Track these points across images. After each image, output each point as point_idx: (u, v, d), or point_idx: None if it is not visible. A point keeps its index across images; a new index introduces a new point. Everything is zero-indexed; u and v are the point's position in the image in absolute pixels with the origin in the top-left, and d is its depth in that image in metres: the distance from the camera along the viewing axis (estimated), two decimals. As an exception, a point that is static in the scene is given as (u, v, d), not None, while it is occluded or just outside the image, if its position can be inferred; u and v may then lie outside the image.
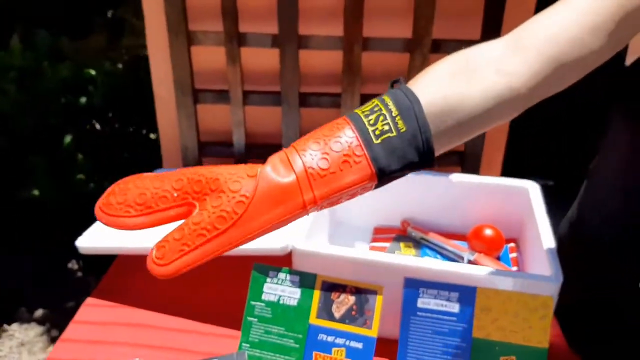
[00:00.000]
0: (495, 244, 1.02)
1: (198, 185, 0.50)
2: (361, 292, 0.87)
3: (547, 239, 0.92)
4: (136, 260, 1.05)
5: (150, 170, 1.23)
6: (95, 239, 1.03)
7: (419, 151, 0.52)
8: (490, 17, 1.07)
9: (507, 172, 1.17)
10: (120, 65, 2.35)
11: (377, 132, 0.51)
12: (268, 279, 0.90)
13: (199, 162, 1.25)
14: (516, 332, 0.82)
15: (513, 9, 1.07)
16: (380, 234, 1.16)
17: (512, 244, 1.09)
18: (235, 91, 1.17)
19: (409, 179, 1.09)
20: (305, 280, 0.89)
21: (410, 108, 0.51)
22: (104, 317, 0.97)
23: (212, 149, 1.26)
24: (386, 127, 0.51)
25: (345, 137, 0.52)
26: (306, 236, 0.91)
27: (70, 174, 2.19)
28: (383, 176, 0.53)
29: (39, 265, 2.27)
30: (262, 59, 1.18)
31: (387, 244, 1.12)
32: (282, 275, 0.90)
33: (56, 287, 2.16)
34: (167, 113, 1.24)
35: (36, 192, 2.12)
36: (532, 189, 1.06)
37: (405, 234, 1.14)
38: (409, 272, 0.85)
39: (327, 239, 1.13)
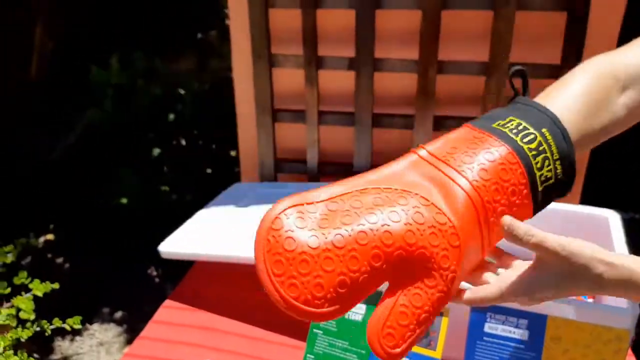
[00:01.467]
0: None
1: (402, 261, 0.47)
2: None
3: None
4: (212, 267, 1.11)
5: (228, 184, 1.31)
6: (177, 244, 1.10)
7: (564, 192, 0.54)
8: (572, 41, 1.05)
9: (587, 201, 1.13)
10: (207, 86, 2.50)
11: (542, 178, 0.51)
12: (335, 293, 0.93)
13: (274, 177, 1.31)
14: (588, 365, 0.79)
15: (595, 32, 1.05)
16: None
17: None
18: (312, 111, 1.22)
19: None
20: (371, 296, 0.90)
21: (568, 154, 0.51)
22: (179, 319, 1.04)
23: (287, 166, 1.31)
24: (549, 174, 0.51)
25: (519, 184, 0.51)
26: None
27: (156, 184, 2.34)
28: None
29: (121, 269, 2.42)
30: (338, 81, 1.22)
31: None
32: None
33: (136, 291, 2.29)
34: (248, 130, 1.31)
35: (124, 201, 2.27)
36: (612, 219, 1.01)
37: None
38: (476, 295, 0.84)
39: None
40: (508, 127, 0.53)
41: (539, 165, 0.51)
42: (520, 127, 0.52)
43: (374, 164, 1.25)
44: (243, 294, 1.02)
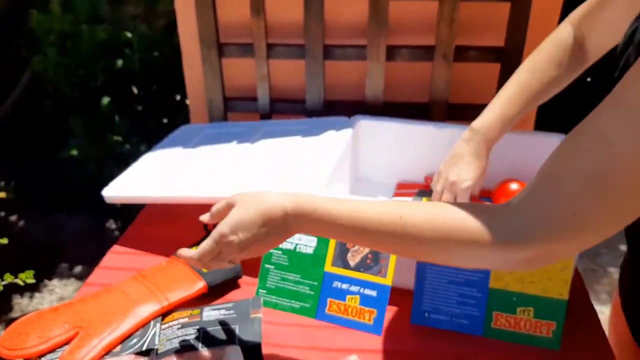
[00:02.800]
0: None
1: None
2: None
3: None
4: (160, 210, 1.07)
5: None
6: (121, 189, 1.05)
7: None
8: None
9: (541, 127, 1.12)
10: (157, 29, 2.37)
11: None
12: (285, 227, 0.91)
13: (224, 117, 1.26)
14: (535, 283, 0.80)
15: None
16: (403, 189, 1.14)
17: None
18: (260, 44, 1.16)
19: (432, 132, 1.08)
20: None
21: None
22: (127, 264, 1.00)
23: (238, 104, 1.26)
24: None
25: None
26: (327, 184, 0.91)
27: (107, 135, 2.25)
28: None
29: (78, 223, 2.36)
30: (286, 11, 1.16)
31: (409, 199, 1.10)
32: (299, 224, 0.90)
33: (94, 245, 2.24)
34: (194, 68, 1.24)
35: (74, 152, 2.18)
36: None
37: (429, 189, 1.12)
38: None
39: (349, 193, 1.12)
40: None
41: None
42: None
43: (326, 100, 1.21)
44: (192, 234, 0.99)
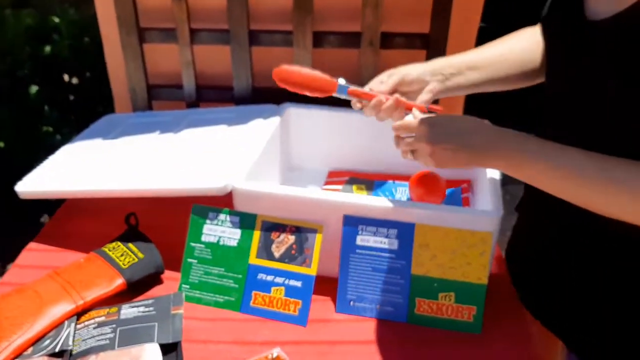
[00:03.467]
0: (435, 189, 0.98)
1: None
2: (301, 231, 0.85)
3: (494, 176, 0.90)
4: (80, 204, 1.02)
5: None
6: (36, 183, 1.00)
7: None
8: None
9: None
10: (86, 14, 2.26)
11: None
12: (208, 221, 0.88)
13: (148, 106, 1.21)
14: (455, 269, 0.80)
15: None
16: (334, 177, 1.13)
17: (464, 185, 1.07)
18: (182, 29, 1.12)
19: (362, 120, 1.07)
20: (246, 221, 0.87)
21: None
22: (44, 261, 0.95)
23: (162, 92, 1.22)
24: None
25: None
26: (246, 176, 0.89)
27: (36, 125, 2.14)
28: None
29: (10, 218, 2.24)
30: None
31: (339, 187, 1.09)
32: (222, 216, 0.88)
33: (27, 240, 2.13)
34: (115, 55, 1.19)
35: (1, 144, 2.07)
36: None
37: (359, 177, 1.12)
38: (349, 209, 0.83)
39: (279, 183, 1.11)
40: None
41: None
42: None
43: (255, 86, 1.18)
44: (113, 228, 0.95)
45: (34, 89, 2.17)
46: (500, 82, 0.84)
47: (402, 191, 1.08)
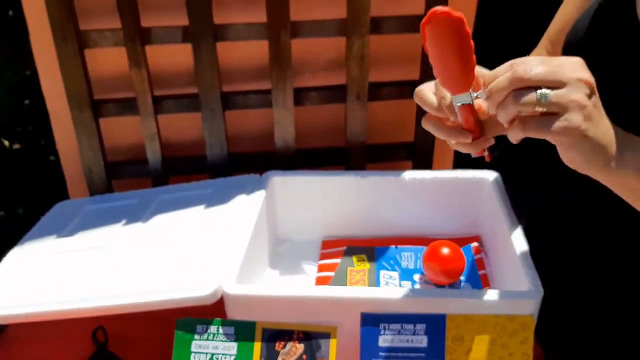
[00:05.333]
0: (454, 267, 0.87)
1: None
2: (311, 337, 0.71)
3: (516, 237, 0.79)
4: (28, 330, 0.84)
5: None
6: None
7: None
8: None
9: (459, 164, 1.04)
10: (26, 75, 2.08)
11: None
12: (196, 336, 0.73)
13: (108, 187, 1.06)
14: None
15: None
16: (329, 247, 1.01)
17: (475, 244, 0.96)
18: (144, 99, 0.98)
19: (354, 182, 0.96)
20: (243, 331, 0.73)
21: None
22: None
23: (124, 169, 1.07)
24: None
25: None
26: (238, 276, 0.75)
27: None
28: None
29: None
30: (173, 57, 1.00)
31: (337, 260, 0.97)
32: (213, 328, 0.73)
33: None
34: (65, 131, 1.03)
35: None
36: (491, 180, 0.94)
37: (357, 244, 1.00)
38: (365, 306, 0.71)
39: (268, 263, 0.97)
40: None
41: None
42: None
43: (230, 153, 1.06)
44: (74, 349, 0.79)
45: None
46: None
47: (408, 257, 0.97)
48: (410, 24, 0.95)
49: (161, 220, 0.93)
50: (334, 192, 0.98)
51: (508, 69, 0.49)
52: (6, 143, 2.05)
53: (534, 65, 0.47)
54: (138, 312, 0.75)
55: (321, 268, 0.95)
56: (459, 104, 0.56)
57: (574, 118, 0.46)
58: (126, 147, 1.07)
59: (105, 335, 0.80)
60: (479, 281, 0.89)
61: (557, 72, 0.46)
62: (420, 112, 1.03)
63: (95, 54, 0.97)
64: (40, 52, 0.99)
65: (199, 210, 0.93)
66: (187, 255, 0.82)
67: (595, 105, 0.47)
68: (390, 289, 0.72)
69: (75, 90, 0.96)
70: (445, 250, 0.88)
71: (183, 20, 0.93)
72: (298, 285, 0.73)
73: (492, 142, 0.59)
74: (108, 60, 0.99)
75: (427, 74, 1.00)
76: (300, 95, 1.01)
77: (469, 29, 0.50)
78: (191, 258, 0.81)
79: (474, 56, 0.52)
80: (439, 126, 0.60)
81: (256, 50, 0.98)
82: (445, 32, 0.50)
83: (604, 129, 0.48)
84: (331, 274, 0.93)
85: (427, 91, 0.60)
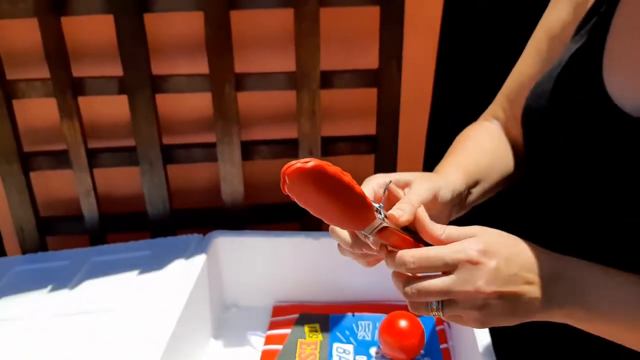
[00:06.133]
0: (411, 343, 0.79)
1: None
2: None
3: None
4: None
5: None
6: None
7: None
8: (388, 42, 0.87)
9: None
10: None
11: None
12: None
13: (42, 243, 0.97)
14: None
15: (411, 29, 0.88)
16: (280, 314, 0.93)
17: (440, 327, 0.88)
18: (77, 152, 0.90)
19: (307, 244, 0.89)
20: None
21: None
22: None
23: (59, 226, 0.98)
24: None
25: None
26: (163, 356, 0.66)
27: None
28: None
29: None
30: (108, 109, 0.93)
31: (287, 330, 0.89)
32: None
33: None
34: (-5, 186, 0.95)
35: None
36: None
37: (311, 311, 0.92)
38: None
39: (212, 332, 0.89)
40: None
41: None
42: None
43: (173, 209, 0.98)
44: None
45: None
46: (488, 192, 0.65)
47: (365, 327, 0.89)
48: (364, 78, 0.89)
49: (90, 287, 0.84)
50: (286, 253, 0.91)
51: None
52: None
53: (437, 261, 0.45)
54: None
55: (269, 340, 0.87)
56: (370, 236, 0.47)
57: (467, 315, 0.46)
58: (61, 202, 0.99)
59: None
60: (440, 357, 0.82)
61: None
62: (379, 166, 0.97)
63: (24, 104, 0.90)
64: (-34, 101, 0.91)
65: (132, 276, 0.85)
66: (110, 333, 0.74)
67: (496, 279, 0.45)
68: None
69: (2, 142, 0.88)
70: (402, 324, 0.81)
71: (118, 71, 0.86)
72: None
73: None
74: (39, 111, 0.92)
75: (384, 129, 0.94)
76: (249, 149, 0.94)
77: (331, 169, 0.41)
78: (114, 337, 0.73)
79: (355, 188, 0.43)
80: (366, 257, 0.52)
81: (199, 103, 0.92)
82: (308, 185, 0.41)
83: (509, 305, 0.45)
84: (279, 347, 0.85)
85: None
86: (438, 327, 0.87)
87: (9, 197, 0.92)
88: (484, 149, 0.65)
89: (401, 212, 0.47)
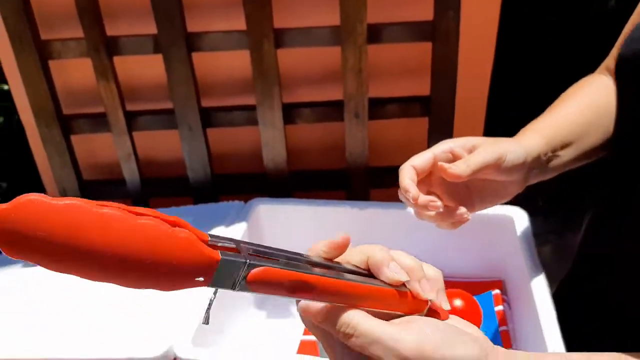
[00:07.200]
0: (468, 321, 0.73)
1: None
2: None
3: (539, 295, 0.65)
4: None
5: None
6: None
7: None
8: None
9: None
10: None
11: None
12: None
13: (86, 207, 0.96)
14: None
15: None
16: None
17: (496, 291, 0.81)
18: (115, 114, 0.87)
19: (352, 214, 0.83)
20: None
21: None
22: None
23: (101, 189, 0.97)
24: None
25: None
26: (196, 334, 0.64)
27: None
28: None
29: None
30: (145, 70, 0.89)
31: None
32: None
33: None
34: (39, 146, 0.95)
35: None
36: (517, 219, 0.79)
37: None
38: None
39: (253, 301, 0.86)
40: None
41: None
42: None
43: (215, 174, 0.94)
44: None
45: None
46: (586, 155, 0.59)
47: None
48: (417, 31, 0.80)
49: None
50: (330, 223, 0.85)
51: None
52: None
53: None
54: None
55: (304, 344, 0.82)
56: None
57: None
58: (103, 166, 0.98)
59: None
60: (499, 340, 0.75)
61: None
62: (433, 131, 0.89)
63: (61, 65, 0.87)
64: (7, 63, 0.90)
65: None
66: (147, 303, 0.72)
67: None
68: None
69: (41, 104, 0.86)
70: (458, 302, 0.74)
71: (152, 29, 0.81)
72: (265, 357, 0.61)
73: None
74: (76, 73, 0.89)
75: (439, 89, 0.85)
76: (291, 113, 0.88)
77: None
78: (151, 306, 0.71)
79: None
80: None
81: (238, 62, 0.86)
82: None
83: None
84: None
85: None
86: (497, 308, 0.79)
87: (50, 160, 0.91)
88: (586, 106, 0.58)
89: (455, 167, 0.49)
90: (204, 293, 0.31)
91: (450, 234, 0.82)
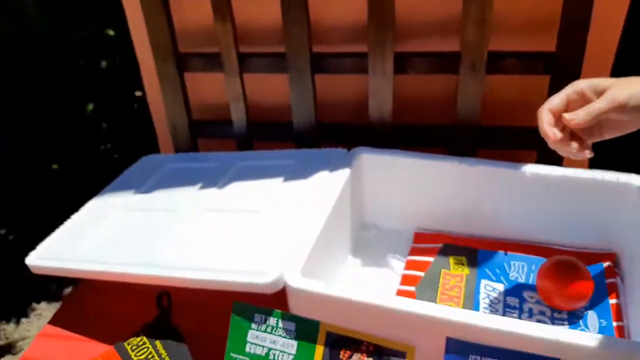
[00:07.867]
0: (577, 291, 0.70)
1: None
2: (383, 353, 0.60)
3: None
4: (100, 283, 0.83)
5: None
6: (48, 256, 0.81)
7: None
8: None
9: (598, 164, 0.82)
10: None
11: None
12: (253, 325, 0.65)
13: (193, 145, 1.00)
14: None
15: None
16: (423, 242, 0.87)
17: (608, 263, 0.77)
18: (229, 55, 0.89)
19: (457, 170, 0.81)
20: (304, 330, 0.63)
21: None
22: (57, 354, 0.77)
23: (210, 129, 1.00)
24: None
25: None
26: (304, 267, 0.64)
27: (94, 144, 2.01)
28: None
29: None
30: (260, 11, 0.89)
31: (430, 258, 0.83)
32: (272, 320, 0.64)
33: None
34: (153, 84, 0.98)
35: (55, 166, 1.96)
36: (639, 186, 0.74)
37: (457, 242, 0.85)
38: (453, 329, 0.57)
39: (350, 249, 0.86)
40: None
41: None
42: None
43: (318, 121, 0.94)
44: (138, 310, 0.76)
45: (90, 106, 2.05)
46: None
47: (519, 268, 0.80)
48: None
49: (236, 190, 0.85)
50: (433, 178, 0.84)
51: None
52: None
53: None
54: (203, 291, 0.69)
55: (410, 265, 0.82)
56: None
57: None
58: (212, 106, 1.00)
59: (169, 301, 0.76)
60: (609, 313, 0.71)
61: None
62: (553, 91, 0.84)
63: (180, 3, 0.90)
64: (128, 1, 0.93)
65: (277, 183, 0.84)
66: (258, 232, 0.73)
67: None
68: (488, 316, 0.57)
69: (159, 40, 0.89)
70: (570, 270, 0.71)
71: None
72: (373, 293, 0.60)
73: None
74: (193, 11, 0.91)
75: (567, 45, 0.79)
76: (403, 62, 0.85)
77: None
78: (261, 236, 0.72)
79: None
80: None
81: (353, 6, 0.84)
82: None
83: None
84: (421, 274, 0.80)
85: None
86: (608, 280, 0.75)
87: (164, 95, 0.95)
88: None
89: (574, 116, 0.56)
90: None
91: (560, 199, 0.78)
